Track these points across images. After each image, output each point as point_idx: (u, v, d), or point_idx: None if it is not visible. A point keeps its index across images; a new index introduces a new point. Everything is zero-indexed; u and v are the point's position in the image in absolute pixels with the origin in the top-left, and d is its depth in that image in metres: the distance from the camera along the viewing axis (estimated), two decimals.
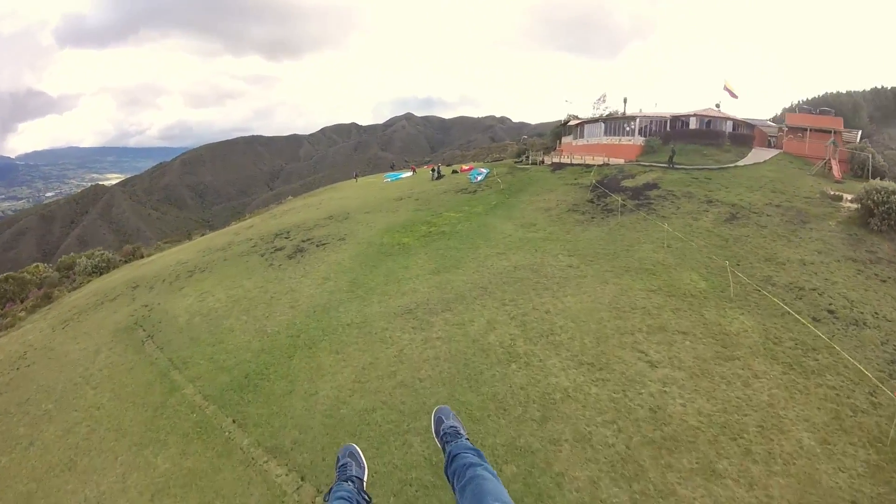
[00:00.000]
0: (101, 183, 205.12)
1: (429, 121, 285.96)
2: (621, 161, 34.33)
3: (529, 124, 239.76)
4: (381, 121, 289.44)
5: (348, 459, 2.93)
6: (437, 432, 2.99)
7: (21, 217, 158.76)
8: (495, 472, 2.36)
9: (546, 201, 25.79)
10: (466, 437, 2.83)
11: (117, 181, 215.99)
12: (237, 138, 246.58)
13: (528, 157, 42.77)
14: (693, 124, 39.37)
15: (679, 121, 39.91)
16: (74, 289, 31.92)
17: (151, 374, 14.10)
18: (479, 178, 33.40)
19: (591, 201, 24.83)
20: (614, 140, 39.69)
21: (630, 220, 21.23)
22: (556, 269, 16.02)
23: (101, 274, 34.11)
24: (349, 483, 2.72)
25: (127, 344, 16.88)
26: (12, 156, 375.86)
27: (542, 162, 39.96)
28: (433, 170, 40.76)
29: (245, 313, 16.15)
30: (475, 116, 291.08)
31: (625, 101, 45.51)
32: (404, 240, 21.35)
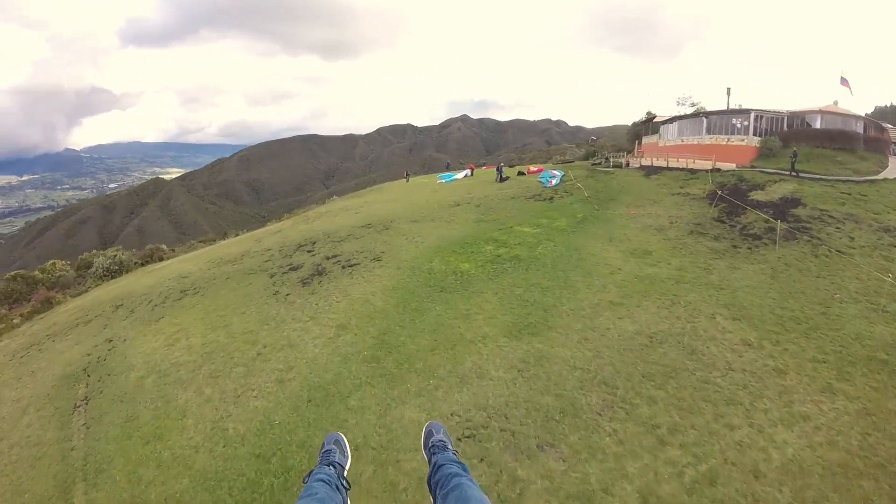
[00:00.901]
0: (161, 176, 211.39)
1: (484, 123, 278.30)
2: (732, 166, 27.15)
3: (585, 128, 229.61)
4: (436, 122, 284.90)
5: (333, 446, 2.74)
6: (425, 444, 2.80)
7: (84, 206, 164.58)
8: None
9: (654, 217, 18.83)
10: (454, 451, 2.61)
11: (177, 175, 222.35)
12: (293, 137, 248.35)
13: (607, 158, 35.82)
14: (818, 123, 31.50)
15: (798, 119, 32.00)
16: (78, 294, 28.07)
17: (52, 483, 8.82)
18: (554, 181, 26.65)
19: (721, 220, 17.75)
20: (720, 139, 31.90)
21: (794, 254, 14.14)
22: (725, 349, 9.17)
23: (112, 277, 30.54)
24: (330, 468, 2.51)
25: (57, 407, 11.80)
26: (77, 148, 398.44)
27: (628, 164, 32.86)
28: (498, 169, 33.95)
29: (212, 381, 10.31)
30: (530, 119, 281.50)
31: (728, 91, 37.53)
32: (463, 266, 14.97)
